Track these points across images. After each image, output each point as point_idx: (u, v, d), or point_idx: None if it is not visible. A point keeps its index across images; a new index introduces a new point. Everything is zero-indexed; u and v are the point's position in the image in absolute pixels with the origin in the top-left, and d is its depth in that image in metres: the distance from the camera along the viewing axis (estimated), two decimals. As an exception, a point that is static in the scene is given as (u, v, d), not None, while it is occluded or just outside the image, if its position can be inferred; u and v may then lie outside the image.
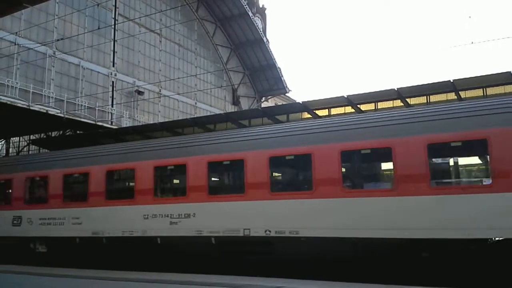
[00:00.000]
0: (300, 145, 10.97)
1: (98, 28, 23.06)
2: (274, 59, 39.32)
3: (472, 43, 18.15)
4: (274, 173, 11.78)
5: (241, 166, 11.48)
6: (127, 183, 14.27)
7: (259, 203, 10.99)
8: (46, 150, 22.16)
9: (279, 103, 41.80)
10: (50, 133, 28.24)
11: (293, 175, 12.09)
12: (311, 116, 15.33)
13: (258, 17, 41.91)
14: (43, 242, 14.58)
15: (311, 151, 10.67)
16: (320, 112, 15.38)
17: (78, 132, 26.21)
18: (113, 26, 28.44)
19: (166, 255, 12.20)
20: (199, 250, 11.64)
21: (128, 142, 15.86)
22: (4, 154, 31.26)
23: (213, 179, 12.73)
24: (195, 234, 11.58)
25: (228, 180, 13.43)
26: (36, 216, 14.65)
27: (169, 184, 14.02)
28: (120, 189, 14.52)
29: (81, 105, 24.91)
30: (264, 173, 11.13)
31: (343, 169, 10.48)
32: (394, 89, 13.65)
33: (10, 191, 15.76)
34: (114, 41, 28.72)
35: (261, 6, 44.29)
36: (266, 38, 39.63)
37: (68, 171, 14.58)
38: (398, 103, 14.40)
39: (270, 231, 10.66)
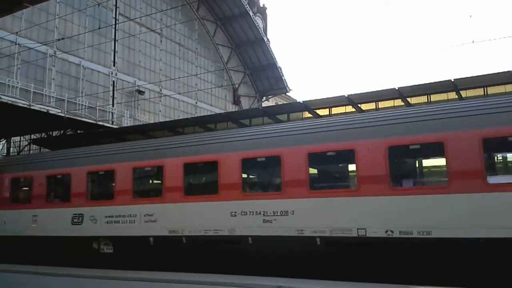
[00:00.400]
0: (429, 132, 9.52)
1: (99, 28, 23.05)
2: (275, 58, 39.33)
3: (473, 42, 18.09)
4: (394, 165, 10.20)
5: (351, 157, 10.15)
6: (208, 177, 12.94)
7: (377, 200, 9.65)
8: (47, 150, 22.15)
9: (279, 103, 41.78)
10: (50, 132, 28.26)
11: (421, 168, 10.75)
12: (311, 116, 15.31)
13: (259, 17, 41.94)
14: (108, 242, 13.30)
15: (444, 139, 9.29)
16: (321, 112, 15.35)
17: (78, 131, 26.23)
18: (113, 26, 28.47)
19: (258, 255, 10.88)
20: (300, 251, 10.31)
21: (210, 131, 14.49)
22: (5, 154, 31.27)
23: (315, 172, 11.36)
24: (296, 234, 10.33)
25: (335, 173, 11.71)
26: (100, 214, 13.35)
27: (260, 178, 12.69)
28: (200, 183, 13.33)
29: (82, 104, 24.92)
30: (382, 165, 9.74)
31: (486, 160, 9.02)
32: (395, 89, 13.61)
33: (69, 187, 14.39)
34: (115, 40, 28.76)
35: (261, 5, 44.31)
36: (267, 38, 39.65)
37: (138, 164, 13.22)
38: (399, 102, 14.37)
39: (392, 231, 9.37)
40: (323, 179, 11.47)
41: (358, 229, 9.71)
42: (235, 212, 11.20)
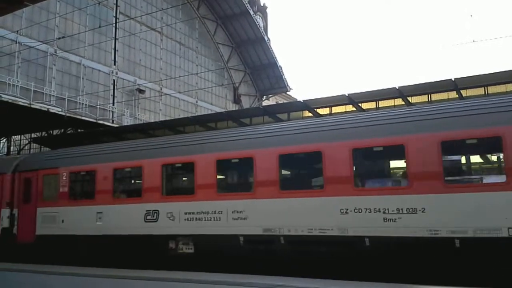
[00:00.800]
0: None
1: (99, 27, 23.09)
2: (275, 57, 39.35)
3: (473, 41, 18.08)
4: None
5: (496, 145, 8.82)
6: (310, 170, 11.64)
7: None
8: (47, 149, 22.16)
9: (280, 102, 41.82)
10: (51, 131, 28.27)
11: None
12: (311, 115, 15.31)
13: (259, 16, 41.98)
14: (188, 241, 12.13)
15: None
16: (321, 111, 15.37)
17: (79, 130, 26.25)
18: (114, 25, 28.48)
19: (378, 259, 9.67)
20: (432, 255, 9.19)
21: (308, 118, 13.19)
22: (5, 153, 31.28)
23: (451, 163, 9.81)
24: (427, 235, 9.08)
25: (477, 165, 10.27)
26: (179, 210, 12.22)
27: (377, 170, 11.12)
28: (300, 177, 12.06)
29: (82, 103, 24.93)
30: None
31: None
32: (395, 88, 13.63)
33: (140, 180, 13.32)
34: (115, 39, 28.78)
35: (262, 4, 44.35)
36: (267, 37, 39.67)
37: (223, 156, 11.93)
38: (399, 101, 14.39)
39: None
40: (462, 171, 9.96)
41: (509, 228, 8.50)
42: (346, 209, 9.98)
